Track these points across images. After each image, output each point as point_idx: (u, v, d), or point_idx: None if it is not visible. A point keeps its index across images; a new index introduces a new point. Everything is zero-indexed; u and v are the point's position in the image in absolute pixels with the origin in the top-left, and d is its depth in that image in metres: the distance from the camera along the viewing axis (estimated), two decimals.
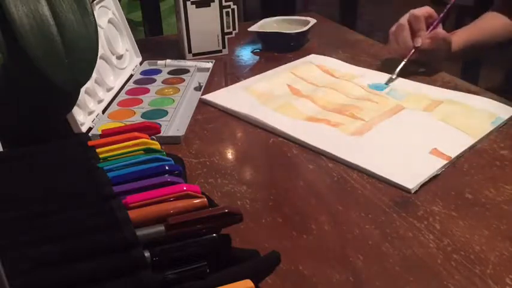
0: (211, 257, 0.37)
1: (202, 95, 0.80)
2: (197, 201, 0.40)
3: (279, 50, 0.97)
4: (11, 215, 0.38)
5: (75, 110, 0.65)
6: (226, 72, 0.93)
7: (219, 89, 0.82)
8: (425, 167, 0.59)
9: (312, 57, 0.93)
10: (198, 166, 0.62)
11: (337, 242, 0.49)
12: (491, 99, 0.73)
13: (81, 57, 0.56)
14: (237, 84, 0.84)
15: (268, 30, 1.02)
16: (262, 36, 1.03)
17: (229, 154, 0.66)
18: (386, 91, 0.79)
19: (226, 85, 0.84)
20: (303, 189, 0.57)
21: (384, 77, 0.84)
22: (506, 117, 0.69)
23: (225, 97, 0.78)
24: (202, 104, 0.78)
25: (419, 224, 0.50)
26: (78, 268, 0.34)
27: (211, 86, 0.84)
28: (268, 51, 0.99)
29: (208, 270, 0.36)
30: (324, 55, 0.94)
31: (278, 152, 0.65)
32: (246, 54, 0.99)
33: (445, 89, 0.78)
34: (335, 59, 0.92)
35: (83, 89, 0.64)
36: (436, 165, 0.59)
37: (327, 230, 0.50)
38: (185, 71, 0.89)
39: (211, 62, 0.92)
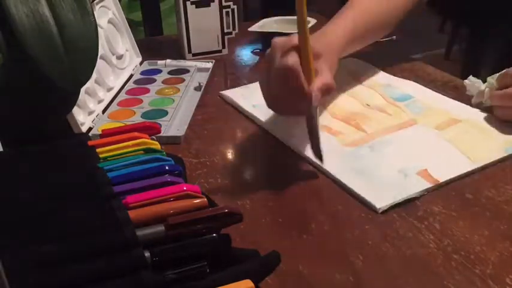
0: (211, 257, 0.37)
1: (221, 90, 0.81)
2: (197, 201, 0.40)
3: None
4: (11, 215, 0.38)
5: (75, 110, 0.65)
6: (226, 72, 0.93)
7: (219, 89, 0.82)
8: (404, 187, 0.55)
9: (347, 61, 0.88)
10: (198, 166, 0.62)
11: (337, 242, 0.49)
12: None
13: (81, 57, 0.56)
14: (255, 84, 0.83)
15: (268, 30, 1.02)
16: (263, 36, 1.03)
17: (229, 154, 0.66)
18: (406, 103, 0.75)
19: (226, 85, 0.84)
20: (303, 189, 0.57)
21: (411, 86, 0.80)
22: None
23: (239, 94, 0.79)
24: (202, 104, 0.78)
25: (419, 224, 0.50)
26: (78, 268, 0.34)
27: (211, 86, 0.84)
28: None
29: (208, 270, 0.36)
30: None
31: (278, 152, 0.65)
32: (246, 54, 0.99)
33: (469, 107, 0.72)
34: (369, 64, 0.89)
35: (83, 89, 0.64)
36: (417, 187, 0.55)
37: (327, 230, 0.50)
38: (185, 71, 0.89)
39: (211, 62, 0.92)
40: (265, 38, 1.02)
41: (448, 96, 0.76)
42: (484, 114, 0.70)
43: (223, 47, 0.98)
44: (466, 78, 0.76)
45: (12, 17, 0.50)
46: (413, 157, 0.61)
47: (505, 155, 0.61)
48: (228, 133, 0.71)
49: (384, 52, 0.96)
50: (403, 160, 0.61)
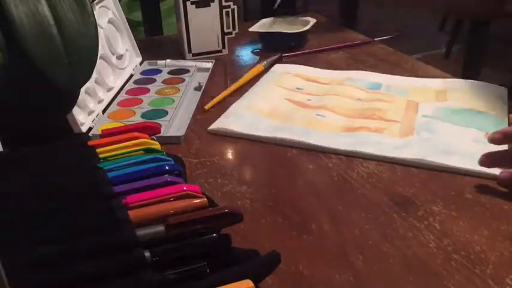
0: (211, 257, 0.37)
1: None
2: (197, 201, 0.40)
3: (279, 50, 0.97)
4: (11, 215, 0.38)
5: (75, 110, 0.65)
6: (226, 72, 0.93)
7: (219, 89, 0.81)
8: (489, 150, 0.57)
9: (281, 67, 0.89)
10: (198, 166, 0.62)
11: (337, 242, 0.49)
12: (483, 82, 0.76)
13: (81, 57, 0.56)
14: (234, 108, 0.74)
15: (268, 30, 1.02)
16: (262, 36, 1.03)
17: (229, 154, 0.66)
18: (383, 90, 0.77)
19: (226, 85, 0.84)
20: (303, 189, 0.57)
21: (368, 76, 0.82)
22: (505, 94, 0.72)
23: (238, 123, 0.69)
24: (202, 104, 0.78)
25: (419, 224, 0.50)
26: (78, 268, 0.34)
27: (211, 86, 0.84)
28: (268, 51, 0.99)
29: (208, 270, 0.36)
30: (324, 54, 0.94)
31: (278, 152, 0.65)
32: (246, 54, 1.00)
33: (438, 79, 0.79)
34: (304, 66, 0.88)
35: (83, 89, 0.64)
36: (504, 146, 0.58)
37: (327, 230, 0.50)
38: (185, 71, 0.89)
39: (211, 62, 0.92)
40: (265, 38, 1.02)
41: None
42: (456, 81, 0.78)
43: (223, 47, 0.98)
44: (466, 78, 0.76)
45: (12, 17, 0.50)
46: (465, 128, 0.64)
47: (503, 104, 0.69)
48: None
49: (383, 52, 0.96)
50: (463, 132, 0.64)
